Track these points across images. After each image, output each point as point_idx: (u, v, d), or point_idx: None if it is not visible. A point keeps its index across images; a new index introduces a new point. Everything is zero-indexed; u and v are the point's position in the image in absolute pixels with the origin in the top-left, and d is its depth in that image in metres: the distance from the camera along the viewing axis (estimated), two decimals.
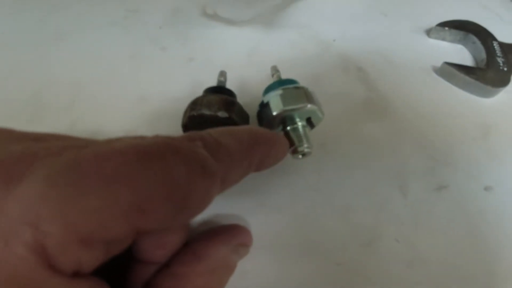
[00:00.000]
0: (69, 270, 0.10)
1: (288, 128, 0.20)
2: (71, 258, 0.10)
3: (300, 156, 0.20)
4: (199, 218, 0.21)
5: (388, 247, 0.20)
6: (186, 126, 0.20)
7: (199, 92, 0.24)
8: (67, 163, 0.10)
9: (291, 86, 0.20)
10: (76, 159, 0.11)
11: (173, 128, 0.23)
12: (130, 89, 0.26)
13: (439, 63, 0.27)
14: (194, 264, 0.16)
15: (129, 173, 0.10)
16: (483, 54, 0.28)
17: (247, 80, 0.26)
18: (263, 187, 0.22)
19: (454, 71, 0.27)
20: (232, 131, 0.15)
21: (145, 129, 0.24)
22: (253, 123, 0.22)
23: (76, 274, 0.11)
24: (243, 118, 0.20)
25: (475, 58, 0.29)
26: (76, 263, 0.10)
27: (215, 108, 0.19)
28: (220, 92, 0.21)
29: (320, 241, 0.20)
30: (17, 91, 0.26)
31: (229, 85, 0.24)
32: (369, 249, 0.20)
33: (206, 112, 0.19)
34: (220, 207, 0.21)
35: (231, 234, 0.18)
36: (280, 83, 0.21)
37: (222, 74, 0.23)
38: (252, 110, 0.23)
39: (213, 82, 0.24)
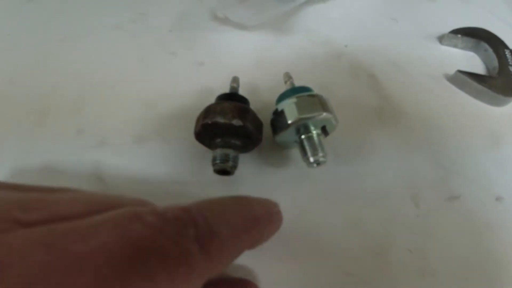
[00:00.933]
0: None
1: (303, 136, 0.20)
2: None
3: (315, 165, 0.19)
4: None
5: (400, 257, 0.20)
6: (199, 134, 0.20)
7: (209, 97, 0.24)
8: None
9: (305, 94, 0.20)
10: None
11: (183, 133, 0.23)
12: (139, 94, 0.26)
13: (450, 70, 0.27)
14: None
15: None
16: (495, 62, 0.28)
17: (258, 85, 0.26)
18: (273, 196, 0.22)
19: (466, 79, 0.26)
20: (225, 213, 0.14)
21: (154, 135, 0.24)
22: (266, 131, 0.21)
23: None
24: (257, 126, 0.20)
25: (487, 66, 0.29)
26: None
27: (230, 116, 0.19)
28: (233, 99, 0.21)
29: (331, 251, 0.20)
30: (23, 94, 0.26)
31: (239, 90, 0.23)
32: (380, 259, 0.20)
33: (220, 120, 0.19)
34: None
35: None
36: (294, 90, 0.21)
37: (235, 80, 0.23)
38: (263, 116, 0.22)
39: (223, 87, 0.24)
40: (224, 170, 0.20)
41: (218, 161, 0.19)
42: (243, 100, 0.22)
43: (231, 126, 0.19)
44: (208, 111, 0.19)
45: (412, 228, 0.21)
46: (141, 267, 0.10)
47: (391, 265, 0.20)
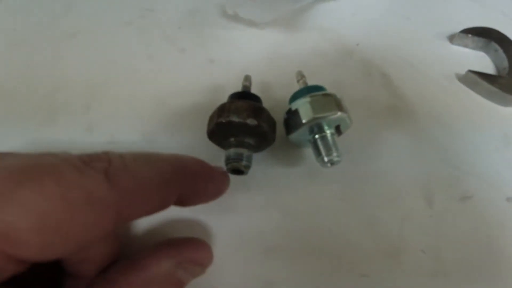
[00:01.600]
0: None
1: (317, 136, 0.19)
2: None
3: (329, 165, 0.19)
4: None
5: (414, 258, 0.20)
6: (212, 133, 0.20)
7: (220, 95, 0.23)
8: None
9: (319, 93, 0.20)
10: None
11: (193, 132, 0.23)
12: (148, 91, 0.26)
13: (461, 70, 0.27)
14: (129, 273, 0.15)
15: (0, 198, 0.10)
16: (505, 63, 0.28)
17: (269, 83, 0.26)
18: (286, 195, 0.22)
19: (477, 79, 0.26)
20: (151, 158, 0.14)
21: (164, 132, 0.24)
22: (278, 129, 0.21)
23: None
24: (271, 125, 0.20)
25: (497, 66, 0.29)
26: None
27: (244, 115, 0.18)
28: (246, 98, 0.21)
29: (345, 252, 0.20)
30: (31, 91, 0.26)
31: (251, 89, 0.23)
32: (394, 260, 0.20)
33: (235, 119, 0.18)
34: (241, 218, 0.21)
35: (179, 248, 0.17)
36: (308, 89, 0.21)
37: (247, 78, 0.23)
38: (275, 115, 0.22)
39: (234, 85, 0.24)
40: (238, 169, 0.19)
41: (232, 161, 0.19)
42: (257, 99, 0.21)
43: (245, 125, 0.19)
44: (222, 110, 0.19)
45: (425, 228, 0.21)
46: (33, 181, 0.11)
47: (404, 265, 0.20)
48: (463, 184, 0.23)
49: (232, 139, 0.20)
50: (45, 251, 0.11)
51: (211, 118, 0.20)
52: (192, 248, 0.17)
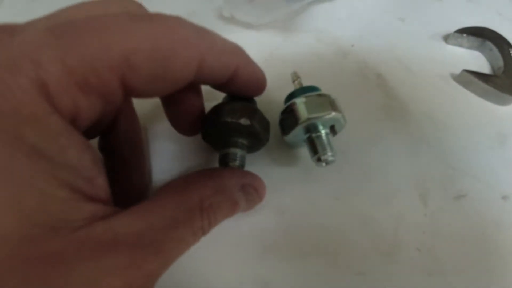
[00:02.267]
0: (67, 111, 0.11)
1: (312, 136, 0.20)
2: (69, 99, 0.11)
3: (324, 164, 0.19)
4: None
5: (409, 256, 0.20)
6: (206, 133, 0.20)
7: (217, 96, 0.23)
8: (64, 20, 0.12)
9: (314, 93, 0.20)
10: (70, 18, 0.12)
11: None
12: None
13: (456, 70, 0.27)
14: (207, 177, 0.17)
15: (120, 28, 0.12)
16: (500, 62, 0.28)
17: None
18: (282, 194, 0.22)
19: (473, 79, 0.26)
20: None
21: (162, 132, 0.24)
22: (274, 130, 0.21)
23: (74, 121, 0.12)
24: (265, 126, 0.20)
25: (492, 65, 0.29)
26: (74, 107, 0.11)
27: (237, 116, 0.19)
28: (240, 99, 0.21)
29: (341, 250, 0.20)
30: None
31: None
32: (390, 259, 0.20)
33: (228, 119, 0.19)
34: (237, 217, 0.21)
35: (243, 173, 0.19)
36: (302, 90, 0.21)
37: None
38: (271, 115, 0.22)
39: None
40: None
41: (225, 161, 0.20)
42: (250, 100, 0.22)
43: (239, 125, 0.19)
44: (216, 111, 0.19)
45: (421, 227, 0.21)
46: (148, 21, 0.13)
47: (399, 264, 0.20)
48: (458, 182, 0.23)
49: (226, 140, 0.20)
50: (149, 82, 0.13)
51: (205, 120, 0.20)
52: (252, 176, 0.20)
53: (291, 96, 0.21)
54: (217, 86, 0.18)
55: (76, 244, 0.11)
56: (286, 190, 0.22)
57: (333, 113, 0.19)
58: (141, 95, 0.14)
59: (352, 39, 0.28)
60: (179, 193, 0.16)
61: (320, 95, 0.20)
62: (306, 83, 0.22)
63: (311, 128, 0.20)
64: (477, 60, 0.29)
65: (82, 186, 0.12)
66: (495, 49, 0.29)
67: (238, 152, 0.20)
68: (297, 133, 0.20)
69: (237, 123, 0.19)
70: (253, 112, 0.20)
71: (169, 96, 0.18)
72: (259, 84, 0.19)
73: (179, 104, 0.19)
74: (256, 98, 0.23)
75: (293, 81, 0.22)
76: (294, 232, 0.21)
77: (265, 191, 0.20)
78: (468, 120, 0.26)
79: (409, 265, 0.20)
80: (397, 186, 0.22)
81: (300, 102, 0.20)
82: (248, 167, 0.22)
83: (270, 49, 0.27)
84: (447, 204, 0.22)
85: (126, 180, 0.20)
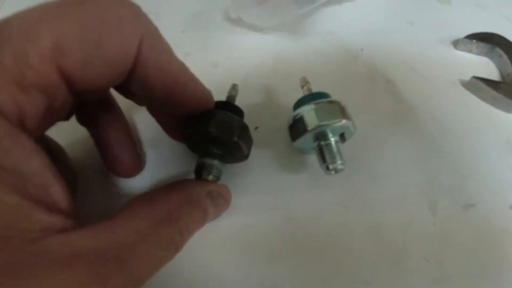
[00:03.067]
0: (10, 112, 0.11)
1: (321, 143, 0.19)
2: (9, 98, 0.11)
3: (333, 173, 0.19)
4: None
5: (417, 265, 0.20)
6: (189, 136, 0.19)
7: (223, 99, 0.23)
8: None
9: (324, 100, 0.20)
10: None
11: None
12: None
13: (466, 76, 0.27)
14: (169, 191, 0.17)
15: (48, 17, 0.12)
16: (509, 68, 0.28)
17: (272, 88, 0.26)
18: (290, 201, 0.22)
19: (482, 86, 0.26)
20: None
21: (166, 137, 0.24)
22: (283, 136, 0.21)
23: (21, 122, 0.11)
24: (249, 145, 0.20)
25: (501, 72, 0.29)
26: (16, 107, 0.11)
27: (230, 132, 0.18)
28: (229, 109, 0.20)
29: (348, 259, 0.20)
30: None
31: (254, 93, 0.23)
32: (397, 268, 0.20)
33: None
34: (244, 221, 0.21)
35: (203, 184, 0.19)
36: (312, 96, 0.21)
37: (235, 88, 0.22)
38: (280, 119, 0.22)
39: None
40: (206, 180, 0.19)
41: (199, 172, 0.19)
42: (239, 112, 0.21)
43: (230, 141, 0.18)
44: (209, 119, 0.18)
45: (429, 236, 0.21)
46: (77, 5, 0.13)
47: (407, 273, 0.20)
48: (466, 191, 0.23)
49: (202, 149, 0.20)
50: (87, 67, 0.12)
51: (196, 124, 0.19)
52: (221, 186, 0.20)
53: (301, 102, 0.21)
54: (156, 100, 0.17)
55: (29, 257, 0.10)
56: (294, 196, 0.22)
57: (344, 121, 0.19)
58: (87, 85, 0.13)
59: (361, 42, 0.28)
60: (145, 207, 0.15)
61: (330, 102, 0.20)
62: (314, 87, 0.22)
63: (320, 136, 0.20)
64: (486, 66, 0.29)
65: (34, 193, 0.11)
66: (504, 56, 0.28)
67: (207, 161, 0.19)
68: (306, 140, 0.20)
69: (229, 139, 0.18)
70: (245, 130, 0.19)
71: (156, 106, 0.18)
72: (204, 98, 0.18)
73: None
74: (263, 102, 0.23)
75: (302, 87, 0.22)
76: (301, 238, 0.21)
77: (231, 196, 0.20)
78: (477, 127, 0.25)
79: (416, 275, 0.20)
80: (406, 194, 0.22)
81: (309, 109, 0.19)
82: (256, 173, 0.22)
83: (278, 52, 0.27)
84: (456, 213, 0.22)
85: (115, 152, 0.20)
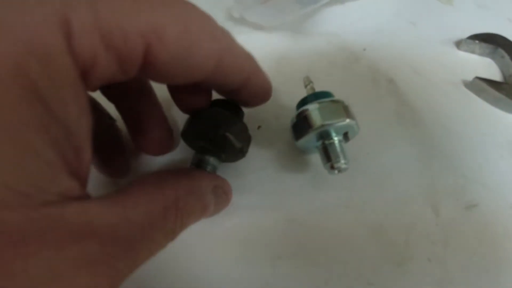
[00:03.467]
0: (83, 60, 0.10)
1: (325, 143, 0.19)
2: (89, 46, 0.10)
3: (337, 172, 0.19)
4: None
5: (420, 266, 0.20)
6: (185, 134, 0.19)
7: None
8: None
9: (327, 99, 0.20)
10: None
11: None
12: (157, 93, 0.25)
13: (468, 77, 0.27)
14: (180, 177, 0.17)
15: (153, 5, 0.12)
16: (511, 69, 0.28)
17: (275, 87, 0.25)
18: (293, 201, 0.21)
19: (485, 86, 0.26)
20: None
21: None
22: (286, 135, 0.21)
23: (87, 75, 0.11)
24: (242, 139, 0.19)
25: (503, 73, 0.29)
26: (91, 58, 0.10)
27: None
28: (226, 107, 0.20)
29: (351, 260, 0.20)
30: None
31: None
32: (400, 268, 0.20)
33: (236, 143, 0.18)
34: (247, 221, 0.21)
35: (213, 177, 0.19)
36: (315, 95, 0.21)
37: None
38: (283, 119, 0.22)
39: None
40: None
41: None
42: (236, 108, 0.21)
43: (233, 148, 0.18)
44: (220, 122, 0.18)
45: (432, 236, 0.21)
46: None
47: (410, 274, 0.20)
48: (469, 192, 0.23)
49: (199, 146, 0.19)
50: (174, 61, 0.12)
51: (204, 127, 0.19)
52: (222, 179, 0.20)
53: (304, 101, 0.21)
54: (227, 91, 0.18)
55: (42, 221, 0.09)
56: (297, 196, 0.22)
57: (347, 120, 0.19)
58: (158, 75, 0.13)
59: (363, 42, 0.28)
60: (156, 189, 0.15)
61: (334, 101, 0.20)
62: (317, 86, 0.22)
63: (324, 135, 0.19)
64: (488, 67, 0.29)
65: (68, 154, 0.10)
66: (507, 57, 0.28)
67: (210, 159, 0.19)
68: (310, 139, 0.20)
69: (237, 148, 0.18)
70: (248, 137, 0.19)
71: (181, 89, 0.18)
72: (266, 93, 0.19)
73: (190, 98, 0.18)
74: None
75: (306, 86, 0.22)
76: (304, 239, 0.20)
77: (231, 194, 0.20)
78: (479, 128, 0.25)
79: (419, 276, 0.20)
80: (409, 195, 0.22)
81: (313, 108, 0.19)
82: (258, 172, 0.21)
83: (280, 52, 0.27)
84: (458, 214, 0.22)
85: (146, 127, 0.19)
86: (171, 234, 0.14)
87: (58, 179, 0.10)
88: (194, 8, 0.13)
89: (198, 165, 0.19)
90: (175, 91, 0.18)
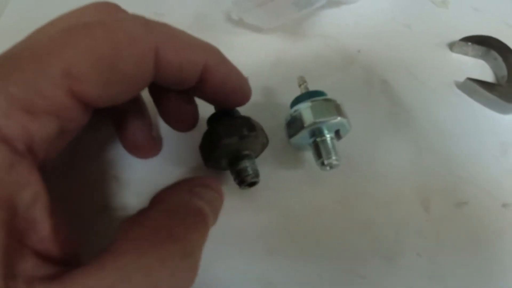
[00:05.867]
0: (18, 140, 0.11)
1: (317, 140, 0.20)
2: (18, 126, 0.11)
3: (328, 168, 0.20)
4: None
5: (410, 261, 0.21)
6: (209, 161, 0.19)
7: None
8: (2, 55, 0.12)
9: (320, 98, 0.21)
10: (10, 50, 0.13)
11: (197, 138, 0.23)
12: None
13: (461, 78, 0.28)
14: (148, 209, 0.15)
15: (58, 45, 0.12)
16: (504, 71, 0.28)
17: (272, 88, 0.26)
18: (287, 198, 0.22)
19: (476, 87, 0.27)
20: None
21: (168, 138, 0.24)
22: (280, 133, 0.22)
23: (30, 147, 0.11)
24: (262, 130, 0.20)
25: (496, 74, 0.29)
26: (25, 133, 0.11)
27: (235, 132, 0.18)
28: (224, 116, 0.20)
29: (343, 254, 0.21)
30: None
31: (254, 92, 0.23)
32: (390, 262, 0.21)
33: (227, 140, 0.18)
34: (242, 217, 0.21)
35: (189, 180, 0.18)
36: (309, 94, 0.21)
37: None
38: (278, 118, 0.23)
39: None
40: (254, 182, 0.20)
41: (240, 178, 0.19)
42: (233, 113, 0.21)
43: (249, 157, 0.19)
44: (210, 137, 0.19)
45: (422, 232, 0.21)
46: (86, 30, 0.13)
47: (400, 268, 0.20)
48: (459, 190, 0.23)
49: (231, 159, 0.20)
50: (102, 88, 0.13)
51: (205, 149, 0.19)
52: (199, 177, 0.19)
53: (297, 100, 0.21)
54: (191, 90, 0.17)
55: None
56: (291, 192, 0.22)
57: (339, 118, 0.20)
58: (105, 102, 0.13)
59: (358, 45, 0.29)
60: (132, 249, 0.13)
61: (326, 100, 0.20)
62: (312, 87, 0.23)
63: (316, 132, 0.20)
64: (481, 68, 0.29)
65: (22, 229, 0.10)
66: (499, 58, 0.29)
67: (247, 164, 0.19)
68: (303, 137, 0.20)
69: (238, 140, 0.18)
70: (250, 122, 0.19)
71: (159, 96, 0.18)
72: (240, 88, 0.18)
73: (169, 104, 0.19)
74: (263, 102, 0.24)
75: (300, 85, 0.23)
76: (297, 233, 0.21)
77: (218, 184, 0.18)
78: (472, 129, 0.26)
79: (409, 269, 0.20)
80: (400, 191, 0.23)
81: (306, 106, 0.20)
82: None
83: (277, 53, 0.28)
84: (448, 211, 0.22)
85: (130, 134, 0.20)
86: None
87: (17, 263, 0.10)
88: (100, 24, 0.13)
89: (242, 175, 0.19)
90: (162, 107, 0.19)
